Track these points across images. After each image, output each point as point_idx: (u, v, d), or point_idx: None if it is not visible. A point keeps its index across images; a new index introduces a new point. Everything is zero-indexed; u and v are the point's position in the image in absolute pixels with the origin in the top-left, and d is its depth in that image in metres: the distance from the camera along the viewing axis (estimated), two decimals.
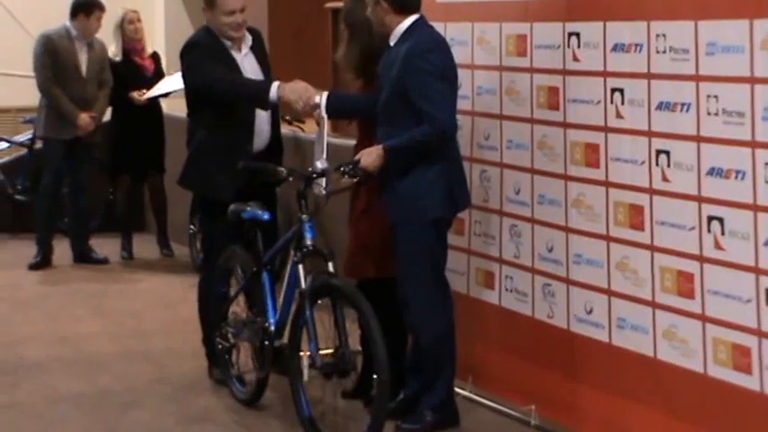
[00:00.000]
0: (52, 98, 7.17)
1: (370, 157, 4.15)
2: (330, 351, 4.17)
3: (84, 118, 7.14)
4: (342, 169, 4.20)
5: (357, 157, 4.20)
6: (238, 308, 4.79)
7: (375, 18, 4.21)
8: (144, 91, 7.26)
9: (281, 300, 4.44)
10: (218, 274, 4.84)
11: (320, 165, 4.27)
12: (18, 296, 6.75)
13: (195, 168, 4.82)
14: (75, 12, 7.23)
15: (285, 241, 4.44)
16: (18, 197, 8.21)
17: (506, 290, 4.51)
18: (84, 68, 7.21)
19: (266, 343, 4.47)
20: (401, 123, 4.10)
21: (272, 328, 4.45)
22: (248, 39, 4.80)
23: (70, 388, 4.99)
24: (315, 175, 4.27)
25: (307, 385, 4.21)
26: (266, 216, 4.50)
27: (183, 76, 4.85)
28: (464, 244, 4.67)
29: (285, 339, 4.40)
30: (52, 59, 7.14)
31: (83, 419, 4.61)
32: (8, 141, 8.63)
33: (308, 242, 4.23)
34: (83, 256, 7.44)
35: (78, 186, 7.36)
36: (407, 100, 4.07)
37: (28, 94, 9.78)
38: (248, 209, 4.52)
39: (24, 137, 8.56)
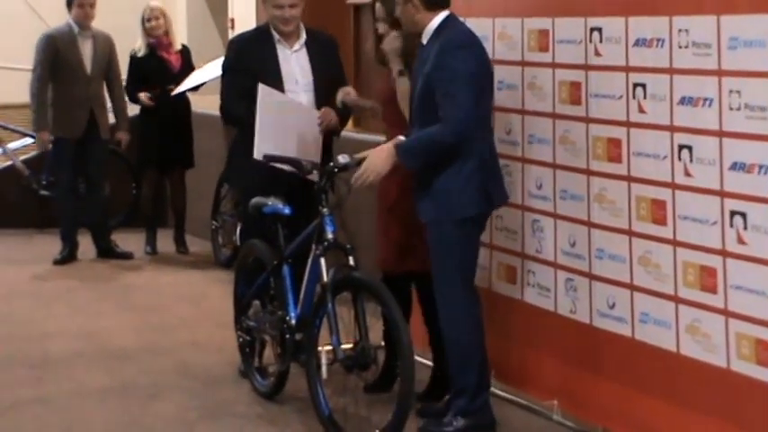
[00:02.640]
0: (35, 101, 7.17)
1: (380, 156, 4.11)
2: (350, 345, 4.19)
3: (43, 136, 7.20)
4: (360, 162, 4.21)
5: (366, 154, 4.16)
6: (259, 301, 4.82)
7: (405, 16, 4.18)
8: (172, 87, 7.27)
9: (302, 293, 4.47)
10: (237, 268, 4.88)
11: (342, 159, 4.30)
12: (43, 291, 6.81)
13: (233, 164, 5.03)
14: (66, 5, 7.27)
15: (306, 235, 4.46)
16: (43, 192, 8.28)
17: (529, 285, 4.51)
18: (88, 65, 7.22)
19: (287, 336, 4.50)
20: (434, 121, 4.05)
21: (293, 321, 4.48)
22: (302, 37, 4.86)
23: (95, 382, 5.04)
24: (336, 170, 4.30)
25: (326, 382, 4.24)
26: (287, 210, 4.53)
27: None
28: (486, 239, 4.67)
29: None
30: (52, 58, 7.15)
31: (107, 413, 4.65)
32: (33, 137, 8.69)
33: (329, 236, 4.26)
34: (107, 250, 7.50)
35: (93, 182, 7.41)
36: (436, 97, 4.04)
37: None
38: (269, 203, 4.55)
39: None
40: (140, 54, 7.37)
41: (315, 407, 4.28)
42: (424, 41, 4.17)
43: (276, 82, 4.73)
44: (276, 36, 4.82)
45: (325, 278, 4.22)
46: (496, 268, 4.69)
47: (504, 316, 4.60)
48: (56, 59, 7.17)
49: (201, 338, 5.57)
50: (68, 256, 7.42)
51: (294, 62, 4.82)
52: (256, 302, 4.79)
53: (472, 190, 4.09)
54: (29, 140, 8.67)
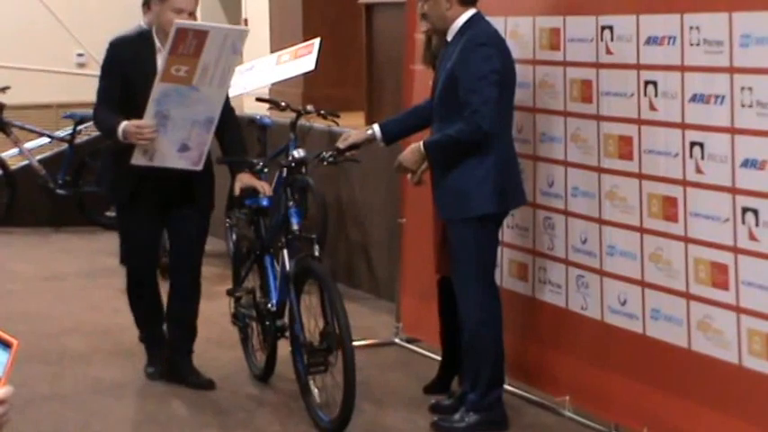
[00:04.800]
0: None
1: (413, 155, 4.15)
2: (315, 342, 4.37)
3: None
4: (321, 155, 4.42)
5: (350, 140, 4.31)
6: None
7: (435, 12, 4.16)
8: None
9: (277, 282, 4.67)
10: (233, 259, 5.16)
11: (296, 154, 4.56)
12: (60, 288, 6.86)
13: (104, 167, 4.94)
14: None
15: (277, 227, 4.64)
16: (59, 191, 8.34)
17: (540, 282, 4.53)
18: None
19: (267, 323, 4.71)
20: (455, 118, 4.06)
21: (274, 308, 4.65)
22: None
23: (112, 378, 5.08)
24: (294, 164, 4.54)
25: (320, 404, 4.38)
26: (265, 202, 4.72)
27: None
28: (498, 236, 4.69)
29: (286, 319, 4.63)
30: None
31: (124, 409, 4.70)
32: (49, 136, 8.77)
33: (294, 227, 4.46)
34: None
35: None
36: (458, 94, 4.04)
37: (68, 90, 9.95)
38: (250, 195, 4.74)
39: (65, 132, 8.69)
40: None
41: (302, 398, 4.45)
42: (449, 38, 4.16)
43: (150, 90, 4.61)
44: (158, 43, 4.65)
45: (288, 269, 4.44)
46: (508, 265, 4.71)
47: (516, 313, 4.61)
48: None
49: (216, 335, 5.61)
50: None
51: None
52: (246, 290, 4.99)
53: (490, 188, 4.10)
54: (45, 140, 8.74)
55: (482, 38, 4.07)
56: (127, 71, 4.64)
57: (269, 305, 4.70)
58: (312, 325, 4.44)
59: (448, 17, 4.14)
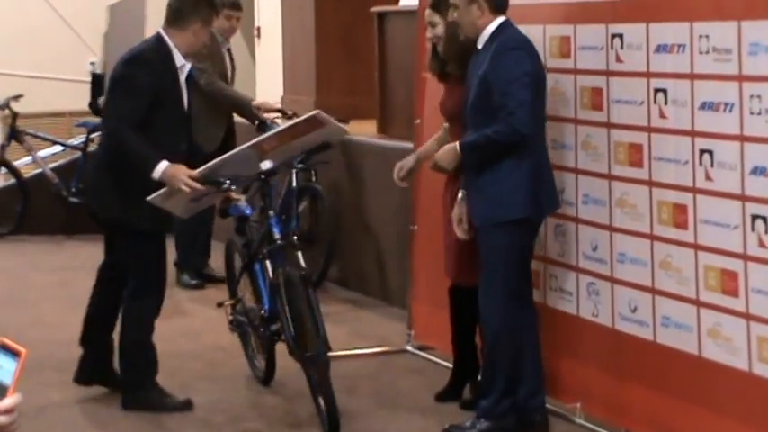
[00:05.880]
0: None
1: (448, 155, 4.14)
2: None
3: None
4: (292, 163, 4.69)
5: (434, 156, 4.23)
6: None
7: (466, 20, 4.13)
8: None
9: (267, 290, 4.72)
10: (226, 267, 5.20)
11: (263, 166, 4.54)
12: (72, 296, 6.87)
13: (111, 189, 4.54)
14: None
15: (262, 236, 4.70)
16: (72, 199, 8.38)
17: (551, 289, 4.54)
18: (229, 77, 6.71)
19: (261, 329, 4.76)
20: (489, 123, 4.05)
21: (266, 314, 4.70)
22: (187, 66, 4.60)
23: None
24: (263, 176, 4.56)
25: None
26: (249, 211, 4.75)
27: (114, 84, 4.54)
28: None
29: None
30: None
31: (135, 417, 4.71)
32: (62, 145, 8.82)
33: (276, 236, 4.53)
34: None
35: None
36: (492, 100, 4.03)
37: (81, 98, 10.01)
38: (232, 205, 4.74)
39: (78, 140, 8.75)
40: (99, 71, 7.13)
41: (314, 402, 4.46)
42: (480, 46, 4.15)
43: (179, 109, 4.51)
44: (181, 61, 4.48)
45: (270, 277, 4.52)
46: None
47: None
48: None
49: (226, 342, 5.62)
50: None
51: (184, 86, 4.57)
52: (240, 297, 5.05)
53: (522, 194, 4.08)
54: (58, 148, 8.79)
55: (513, 42, 4.08)
56: (157, 91, 4.40)
57: (262, 311, 4.74)
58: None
59: (479, 25, 4.12)
